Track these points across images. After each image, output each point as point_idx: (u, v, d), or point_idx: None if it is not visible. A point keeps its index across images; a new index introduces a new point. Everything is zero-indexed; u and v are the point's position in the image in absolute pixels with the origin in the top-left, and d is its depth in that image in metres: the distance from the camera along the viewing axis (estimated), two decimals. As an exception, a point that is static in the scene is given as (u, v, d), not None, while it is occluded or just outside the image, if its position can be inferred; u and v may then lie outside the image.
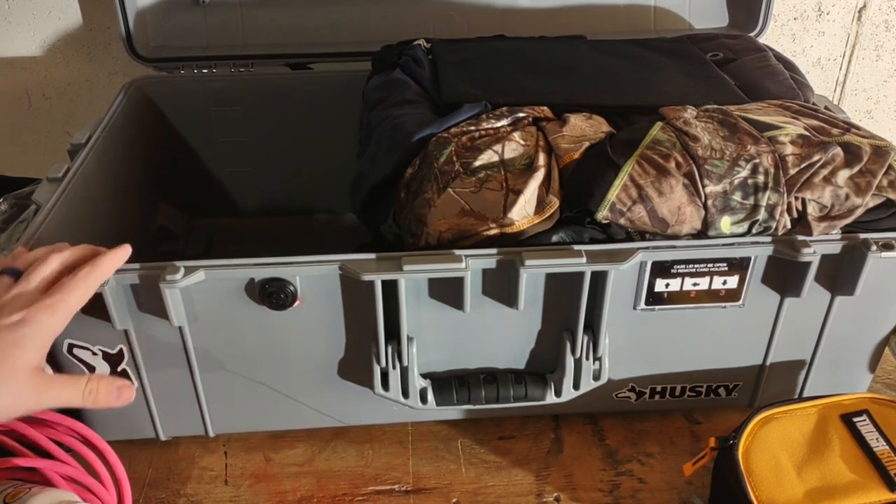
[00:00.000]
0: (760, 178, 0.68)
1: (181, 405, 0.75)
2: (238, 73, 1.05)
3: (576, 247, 0.66)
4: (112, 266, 0.61)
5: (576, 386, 0.74)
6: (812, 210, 0.69)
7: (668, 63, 0.89)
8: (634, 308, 0.71)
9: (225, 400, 0.75)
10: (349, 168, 0.81)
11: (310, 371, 0.73)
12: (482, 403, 0.74)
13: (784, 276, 0.70)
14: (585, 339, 0.71)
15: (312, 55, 1.07)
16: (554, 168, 0.70)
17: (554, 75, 0.85)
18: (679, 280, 0.69)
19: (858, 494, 0.63)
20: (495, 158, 0.70)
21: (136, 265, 0.65)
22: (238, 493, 0.74)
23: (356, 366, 0.73)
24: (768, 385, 0.78)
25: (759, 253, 0.68)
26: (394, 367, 0.71)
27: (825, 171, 0.68)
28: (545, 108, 0.78)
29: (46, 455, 0.65)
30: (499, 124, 0.74)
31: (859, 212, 0.68)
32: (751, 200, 0.68)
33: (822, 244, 0.68)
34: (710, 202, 0.67)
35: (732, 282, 0.70)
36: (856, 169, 0.69)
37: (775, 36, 1.23)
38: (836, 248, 0.68)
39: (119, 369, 0.71)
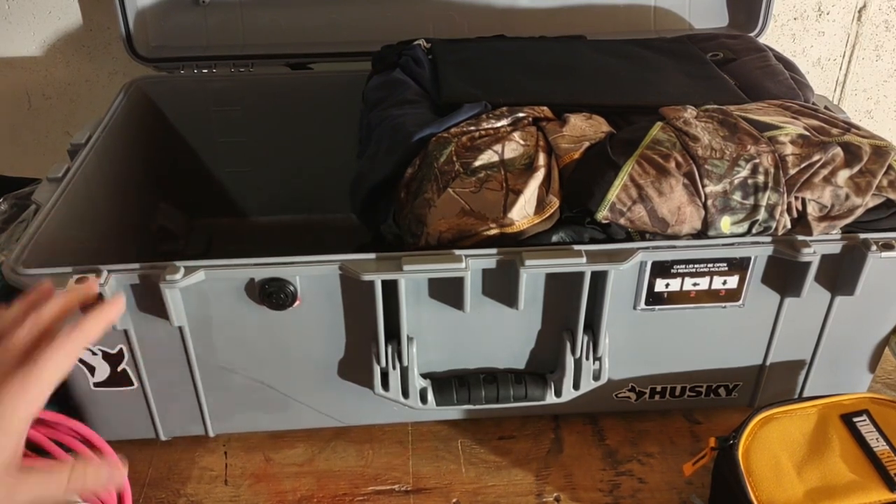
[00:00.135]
0: (760, 178, 0.68)
1: (181, 405, 0.75)
2: (238, 73, 1.05)
3: (576, 247, 0.66)
4: (98, 328, 0.50)
5: (576, 386, 0.74)
6: (812, 210, 0.69)
7: (668, 63, 0.89)
8: (634, 308, 0.71)
9: (225, 400, 0.75)
10: (349, 168, 0.81)
11: (310, 371, 0.73)
12: (482, 403, 0.74)
13: (784, 276, 0.70)
14: (585, 339, 0.71)
15: (312, 55, 1.07)
16: (554, 168, 0.70)
17: (554, 75, 0.85)
18: (679, 280, 0.69)
19: (858, 494, 0.63)
20: (495, 158, 0.70)
21: (136, 265, 0.65)
22: (238, 493, 0.74)
23: (356, 366, 0.73)
24: (768, 385, 0.78)
25: (759, 253, 0.68)
26: (394, 367, 0.71)
27: (825, 171, 0.68)
28: (545, 108, 0.78)
29: (46, 455, 0.65)
30: (499, 124, 0.74)
31: (859, 212, 0.68)
32: (751, 200, 0.68)
33: (822, 244, 0.68)
34: (710, 202, 0.67)
35: (732, 282, 0.70)
36: (856, 169, 0.69)
37: (775, 36, 1.23)
38: (836, 248, 0.68)
39: (119, 369, 0.71)
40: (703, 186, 0.67)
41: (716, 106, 0.76)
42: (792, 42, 1.25)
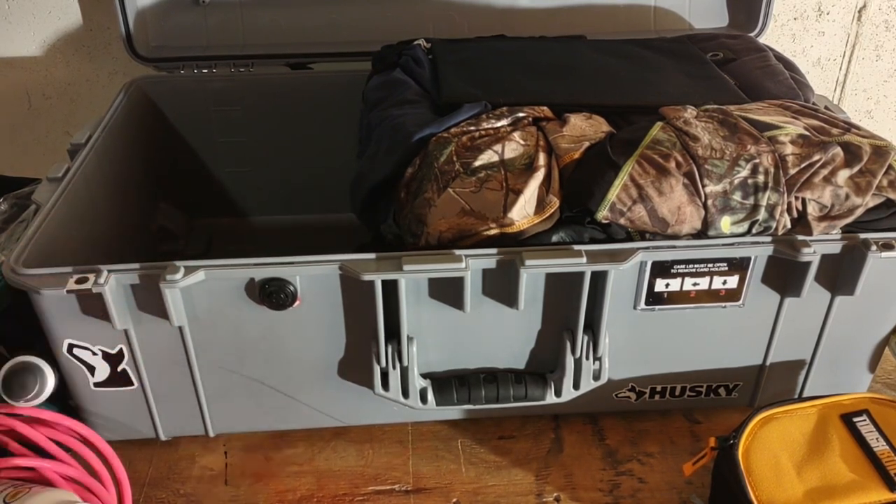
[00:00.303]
0: (760, 178, 0.68)
1: (181, 405, 0.75)
2: (238, 73, 1.05)
3: (576, 247, 0.66)
4: None
5: (576, 386, 0.74)
6: (812, 210, 0.69)
7: (668, 63, 0.89)
8: (634, 308, 0.71)
9: (225, 400, 0.75)
10: (349, 168, 0.81)
11: (310, 371, 0.73)
12: (482, 403, 0.74)
13: (784, 276, 0.70)
14: (585, 339, 0.71)
15: (312, 55, 1.07)
16: (554, 168, 0.70)
17: (554, 75, 0.85)
18: (679, 280, 0.69)
19: (858, 494, 0.63)
20: (495, 158, 0.70)
21: (136, 265, 0.65)
22: (238, 492, 0.74)
23: (356, 366, 0.73)
24: (768, 385, 0.78)
25: (759, 253, 0.68)
26: (394, 367, 0.71)
27: (825, 171, 0.68)
28: (545, 108, 0.78)
29: (46, 455, 0.65)
30: (499, 124, 0.74)
31: (859, 212, 0.68)
32: (751, 200, 0.68)
33: (822, 244, 0.68)
34: (710, 202, 0.67)
35: (732, 282, 0.70)
36: (856, 169, 0.69)
37: (775, 36, 1.23)
38: (836, 248, 0.68)
39: (119, 369, 0.71)
40: (704, 186, 0.67)
41: (716, 106, 0.76)
42: (792, 42, 1.25)
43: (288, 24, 1.08)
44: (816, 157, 0.68)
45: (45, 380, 0.69)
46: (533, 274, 0.67)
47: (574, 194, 0.69)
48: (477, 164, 0.69)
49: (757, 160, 0.68)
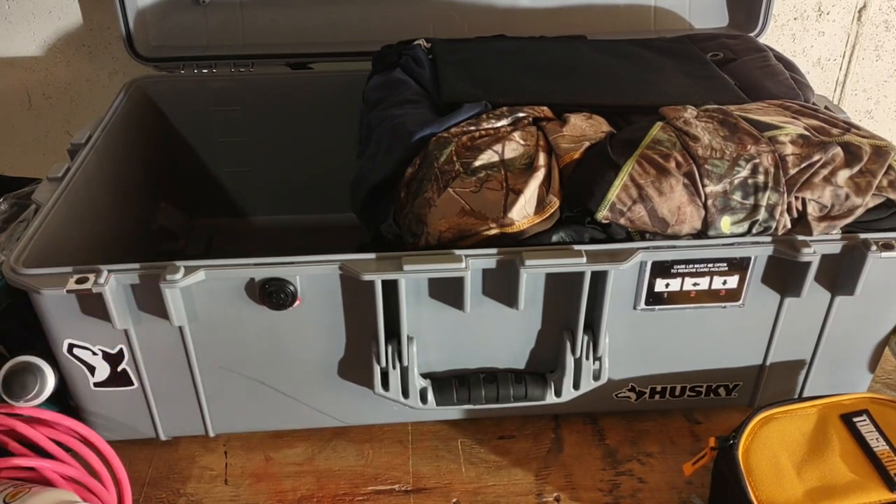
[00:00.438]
0: (760, 178, 0.68)
1: (181, 405, 0.75)
2: (238, 73, 1.05)
3: (576, 247, 0.66)
4: None
5: (576, 386, 0.74)
6: (812, 210, 0.69)
7: (668, 63, 0.89)
8: (634, 308, 0.71)
9: (225, 400, 0.75)
10: (349, 168, 0.81)
11: (310, 371, 0.73)
12: (482, 403, 0.74)
13: (784, 276, 0.70)
14: (585, 338, 0.71)
15: (312, 55, 1.07)
16: (554, 168, 0.70)
17: (554, 75, 0.85)
18: (679, 280, 0.69)
19: (858, 494, 0.63)
20: (495, 158, 0.70)
21: (136, 265, 0.65)
22: (238, 492, 0.74)
23: (356, 366, 0.73)
24: (768, 385, 0.78)
25: (759, 253, 0.68)
26: (394, 367, 0.71)
27: (825, 171, 0.68)
28: (545, 108, 0.78)
29: (46, 455, 0.65)
30: (499, 124, 0.74)
31: (859, 212, 0.68)
32: (751, 200, 0.68)
33: (822, 244, 0.68)
34: (710, 202, 0.67)
35: (732, 282, 0.70)
36: (856, 169, 0.69)
37: (775, 36, 1.23)
38: (836, 248, 0.68)
39: (119, 369, 0.71)
40: (704, 186, 0.67)
41: (716, 106, 0.76)
42: (792, 42, 1.25)
43: (288, 24, 1.08)
44: (816, 158, 0.68)
45: (45, 380, 0.69)
46: (533, 274, 0.67)
47: (574, 194, 0.69)
48: (477, 163, 0.69)
49: (757, 160, 0.68)
